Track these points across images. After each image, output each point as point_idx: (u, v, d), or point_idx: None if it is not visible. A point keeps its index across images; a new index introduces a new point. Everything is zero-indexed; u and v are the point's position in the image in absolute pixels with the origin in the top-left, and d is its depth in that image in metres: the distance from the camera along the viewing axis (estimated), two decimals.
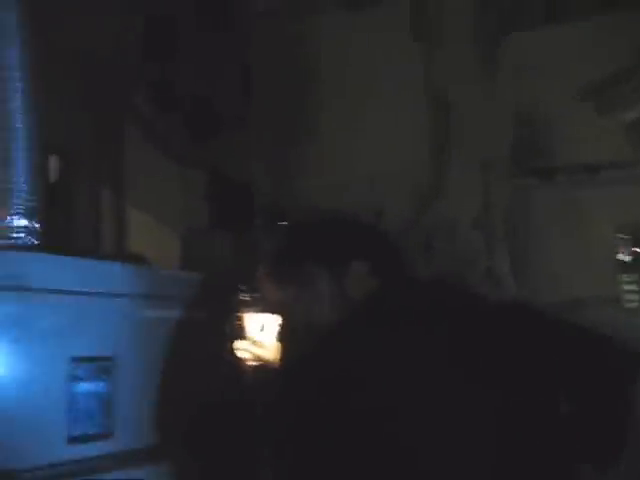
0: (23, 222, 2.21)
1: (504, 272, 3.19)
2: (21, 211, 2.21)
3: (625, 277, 2.88)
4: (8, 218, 2.12)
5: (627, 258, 2.88)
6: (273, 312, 2.27)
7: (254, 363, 2.35)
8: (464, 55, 3.15)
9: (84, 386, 1.98)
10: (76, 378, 1.97)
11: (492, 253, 3.21)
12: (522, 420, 1.37)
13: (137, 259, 2.52)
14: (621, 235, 2.92)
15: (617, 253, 2.92)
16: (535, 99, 3.01)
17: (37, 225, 2.27)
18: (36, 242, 2.24)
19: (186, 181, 3.47)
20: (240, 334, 2.44)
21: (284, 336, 2.25)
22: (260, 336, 2.38)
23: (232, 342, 2.38)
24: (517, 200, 3.09)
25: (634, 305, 2.89)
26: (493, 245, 3.17)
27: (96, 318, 2.03)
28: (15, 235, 2.17)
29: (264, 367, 2.37)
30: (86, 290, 2.04)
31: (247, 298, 2.70)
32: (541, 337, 1.45)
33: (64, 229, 3.49)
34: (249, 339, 2.37)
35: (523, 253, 3.11)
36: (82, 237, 3.64)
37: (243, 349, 2.33)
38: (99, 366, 2.03)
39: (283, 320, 2.16)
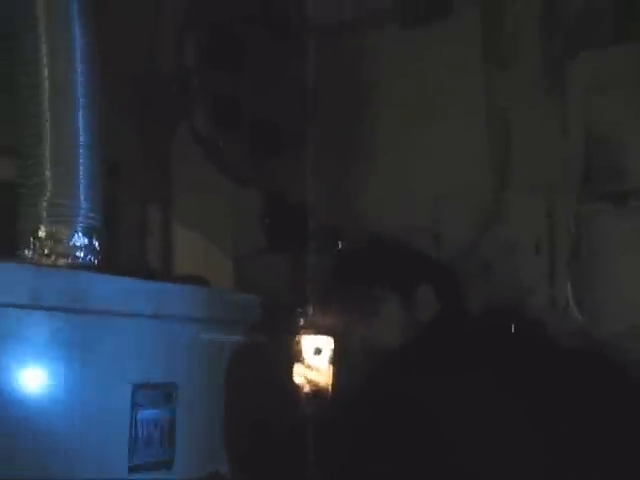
0: (84, 240, 2.18)
1: (567, 299, 3.06)
2: (83, 229, 2.18)
3: None
4: (75, 236, 2.08)
5: None
6: (335, 335, 2.20)
7: (311, 386, 2.29)
8: (529, 74, 3.05)
9: (145, 413, 1.92)
10: (137, 405, 1.91)
11: (554, 279, 3.09)
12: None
13: (198, 281, 2.46)
14: None
15: None
16: (606, 120, 2.89)
17: (97, 244, 2.24)
18: (96, 261, 2.21)
19: (239, 200, 3.40)
20: (297, 357, 2.38)
21: (343, 358, 2.18)
22: (317, 359, 2.31)
23: (290, 365, 2.32)
24: (583, 224, 2.97)
25: None
26: (556, 270, 3.05)
27: (159, 342, 1.97)
28: (77, 254, 2.14)
29: (321, 390, 2.31)
30: (149, 313, 1.98)
31: (304, 321, 2.63)
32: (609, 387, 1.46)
33: (109, 246, 3.46)
34: (306, 362, 2.30)
35: (588, 279, 2.98)
36: (127, 255, 3.60)
37: (300, 372, 2.26)
38: (161, 392, 1.97)
39: (344, 342, 2.08)
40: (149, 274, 2.46)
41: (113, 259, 3.10)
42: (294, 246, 2.93)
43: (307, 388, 2.27)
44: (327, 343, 2.32)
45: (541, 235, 3.09)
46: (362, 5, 3.43)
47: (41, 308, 1.67)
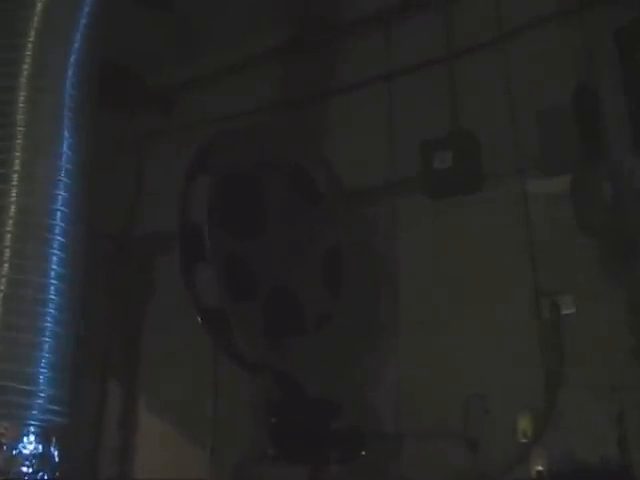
0: (37, 447, 1.35)
1: None
2: (37, 429, 1.36)
3: None
4: (24, 439, 1.25)
5: None
6: None
7: None
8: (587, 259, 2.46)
9: None
10: None
11: None
12: None
13: None
14: None
15: None
16: None
17: (56, 452, 1.40)
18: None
19: (237, 389, 2.57)
20: None
21: None
22: None
23: None
24: None
25: None
26: None
27: None
28: (22, 469, 1.30)
29: None
30: None
31: None
32: None
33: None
34: None
35: None
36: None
37: None
38: None
39: None
40: None
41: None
42: (311, 454, 2.09)
43: None
44: None
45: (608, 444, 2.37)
46: (392, 172, 2.91)
47: None
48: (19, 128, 1.44)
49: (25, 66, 1.56)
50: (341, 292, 2.47)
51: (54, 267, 1.39)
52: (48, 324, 1.35)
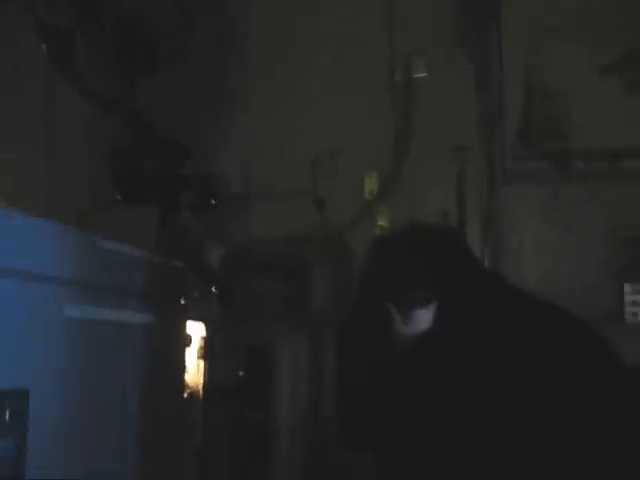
0: None
1: None
2: None
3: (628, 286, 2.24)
4: None
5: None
6: None
7: None
8: (439, 16, 2.37)
9: None
10: None
11: None
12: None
13: None
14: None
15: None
16: (547, 70, 2.30)
17: None
18: None
19: (89, 129, 2.28)
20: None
21: None
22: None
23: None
24: (502, 190, 2.37)
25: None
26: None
27: None
28: None
29: None
30: None
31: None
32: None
33: None
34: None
35: (504, 247, 2.39)
36: None
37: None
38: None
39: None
40: None
41: None
42: (161, 198, 1.97)
43: None
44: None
45: (449, 201, 2.47)
46: None
47: None
48: None
49: None
50: (194, 29, 2.23)
51: None
52: None
